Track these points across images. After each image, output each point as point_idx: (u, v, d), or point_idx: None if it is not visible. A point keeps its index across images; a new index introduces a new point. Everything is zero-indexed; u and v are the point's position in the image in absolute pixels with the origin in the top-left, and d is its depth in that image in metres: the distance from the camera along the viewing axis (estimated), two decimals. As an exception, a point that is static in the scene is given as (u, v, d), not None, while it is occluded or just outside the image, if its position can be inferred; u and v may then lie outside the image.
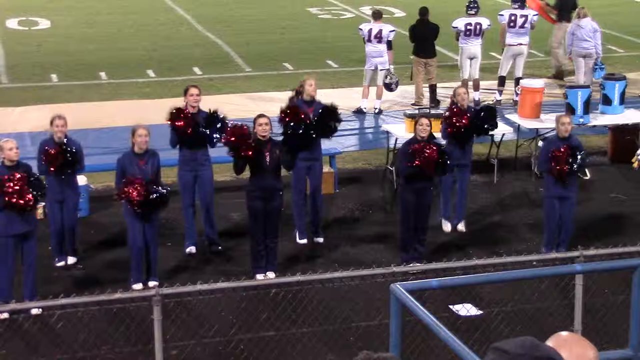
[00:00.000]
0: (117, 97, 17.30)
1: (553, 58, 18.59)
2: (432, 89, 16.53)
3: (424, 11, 16.78)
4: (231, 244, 11.18)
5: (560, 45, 17.98)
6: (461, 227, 11.54)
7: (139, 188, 9.41)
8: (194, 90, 10.82)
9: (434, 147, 10.20)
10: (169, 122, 10.54)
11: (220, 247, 10.97)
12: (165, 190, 9.71)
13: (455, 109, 11.36)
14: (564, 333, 2.75)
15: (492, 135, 13.36)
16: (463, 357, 5.71)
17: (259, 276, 9.98)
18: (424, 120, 10.41)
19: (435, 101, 16.29)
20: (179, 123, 10.43)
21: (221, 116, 10.54)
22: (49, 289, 9.48)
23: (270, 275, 10.03)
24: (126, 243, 10.05)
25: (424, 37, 16.53)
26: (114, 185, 12.38)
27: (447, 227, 11.54)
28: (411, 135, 10.89)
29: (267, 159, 9.93)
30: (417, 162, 10.07)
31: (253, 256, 10.19)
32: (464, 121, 11.21)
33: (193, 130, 10.44)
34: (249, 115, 14.70)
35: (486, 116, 11.51)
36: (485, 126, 11.48)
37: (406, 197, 10.49)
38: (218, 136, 10.34)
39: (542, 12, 18.49)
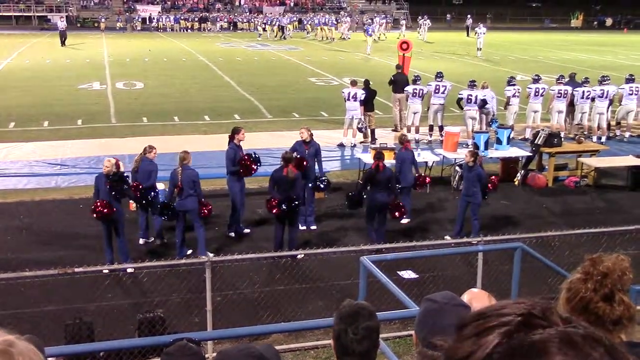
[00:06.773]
0: (184, 132, 17.27)
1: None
2: (372, 132, 16.34)
3: (367, 83, 16.61)
4: (256, 229, 11.15)
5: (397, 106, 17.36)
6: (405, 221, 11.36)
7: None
8: (243, 131, 10.59)
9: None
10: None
11: (248, 230, 10.78)
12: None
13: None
14: (475, 289, 2.73)
15: (427, 162, 13.40)
16: (405, 304, 5.72)
17: None
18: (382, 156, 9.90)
19: (374, 140, 15.82)
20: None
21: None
22: (136, 256, 9.44)
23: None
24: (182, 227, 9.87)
25: (370, 99, 16.27)
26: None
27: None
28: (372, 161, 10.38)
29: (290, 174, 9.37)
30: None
31: (278, 244, 9.56)
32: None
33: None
34: (270, 146, 14.73)
35: None
36: None
37: (371, 201, 10.02)
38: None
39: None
